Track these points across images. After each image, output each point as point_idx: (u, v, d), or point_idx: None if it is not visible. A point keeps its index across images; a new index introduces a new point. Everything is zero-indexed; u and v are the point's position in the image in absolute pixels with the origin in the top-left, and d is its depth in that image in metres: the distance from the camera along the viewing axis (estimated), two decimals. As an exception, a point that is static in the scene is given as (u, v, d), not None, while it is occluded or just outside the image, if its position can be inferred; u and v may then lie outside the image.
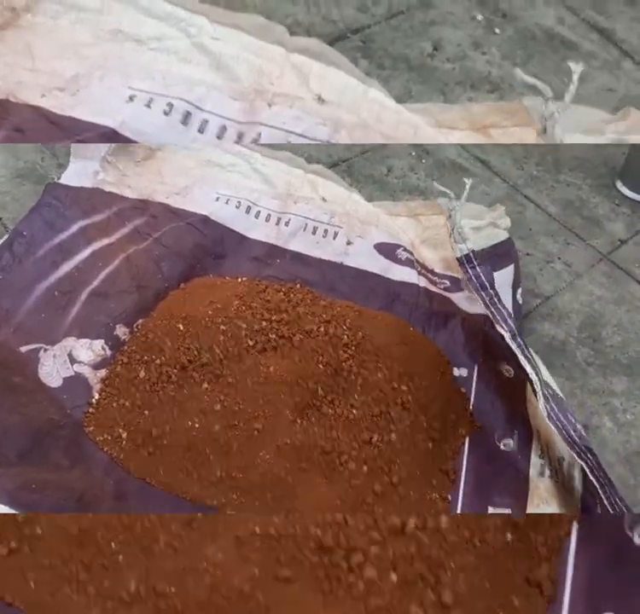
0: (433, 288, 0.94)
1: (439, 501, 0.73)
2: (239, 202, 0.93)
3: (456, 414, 0.81)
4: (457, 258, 0.83)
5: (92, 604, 0.55)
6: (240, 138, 0.82)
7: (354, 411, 0.74)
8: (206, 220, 0.91)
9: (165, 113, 0.81)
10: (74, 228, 0.85)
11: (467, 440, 0.79)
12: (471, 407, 0.83)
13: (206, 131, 0.82)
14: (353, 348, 0.80)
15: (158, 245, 0.87)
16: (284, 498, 0.68)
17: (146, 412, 0.71)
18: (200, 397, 0.72)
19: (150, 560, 0.58)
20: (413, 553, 0.47)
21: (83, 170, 0.93)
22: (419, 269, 0.94)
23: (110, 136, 0.81)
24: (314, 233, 0.94)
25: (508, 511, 0.72)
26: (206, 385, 0.73)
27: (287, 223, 0.94)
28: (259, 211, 0.94)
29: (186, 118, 0.81)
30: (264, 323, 0.79)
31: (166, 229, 0.88)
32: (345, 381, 0.76)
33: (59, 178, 0.92)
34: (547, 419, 0.70)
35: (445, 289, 0.95)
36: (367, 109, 0.82)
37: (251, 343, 0.77)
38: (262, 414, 0.72)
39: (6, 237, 0.82)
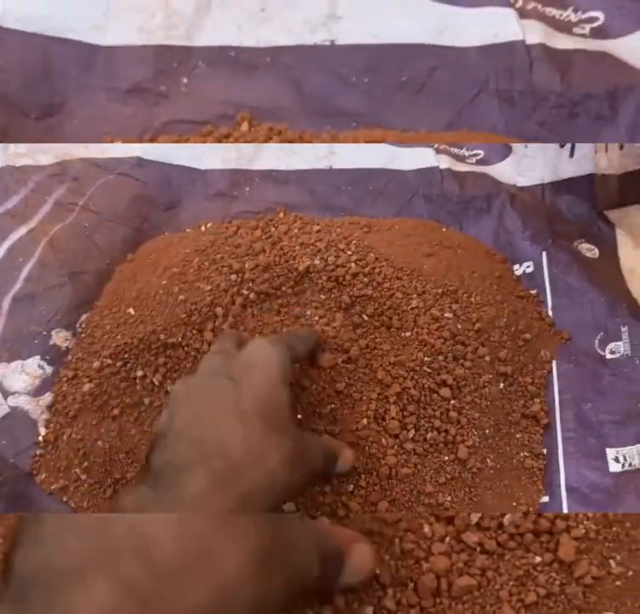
0: (460, 167, 0.68)
1: (531, 461, 0.51)
2: (178, 128, 0.71)
3: (532, 331, 0.57)
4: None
5: None
6: None
7: (380, 368, 0.52)
8: (140, 163, 0.69)
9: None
10: (-20, 225, 0.67)
11: (554, 364, 0.56)
12: (550, 313, 0.59)
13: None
14: (365, 278, 0.57)
15: (87, 213, 0.66)
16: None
17: (99, 443, 0.52)
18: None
19: None
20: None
21: (-11, 148, 0.74)
22: (436, 145, 0.69)
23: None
24: (284, 138, 0.71)
25: (637, 448, 0.49)
26: (169, 388, 0.54)
27: (245, 137, 0.71)
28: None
29: None
30: (233, 277, 0.58)
31: (93, 191, 0.68)
32: (361, 328, 0.54)
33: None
34: None
35: (480, 162, 0.69)
36: None
37: (221, 311, 0.56)
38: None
39: None
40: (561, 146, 0.67)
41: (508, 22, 0.53)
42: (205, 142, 0.61)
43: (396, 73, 0.55)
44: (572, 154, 0.67)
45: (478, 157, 0.69)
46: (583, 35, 0.54)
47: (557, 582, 0.41)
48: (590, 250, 0.62)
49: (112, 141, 0.62)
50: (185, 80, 0.57)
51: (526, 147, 0.68)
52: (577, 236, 0.63)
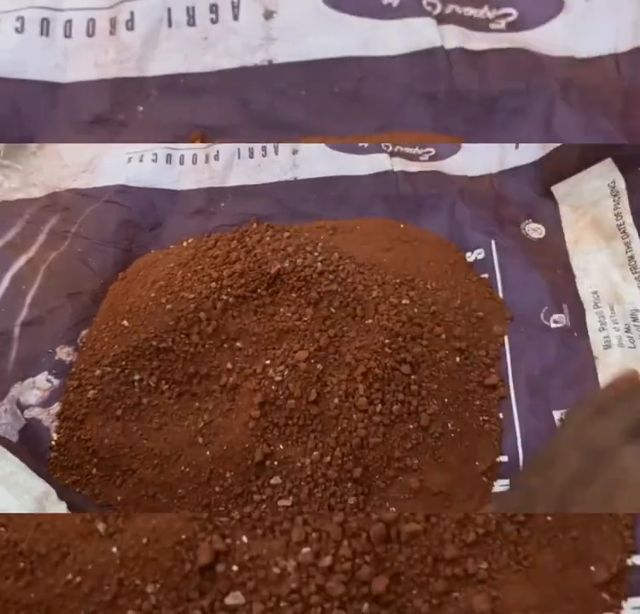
0: (413, 167, 0.75)
1: (489, 425, 0.57)
2: (155, 154, 0.78)
3: (484, 309, 0.63)
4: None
5: None
6: (113, 26, 0.63)
7: (348, 353, 0.58)
8: (123, 190, 0.76)
9: (18, 31, 0.62)
10: (-16, 258, 0.73)
11: (506, 339, 0.62)
12: (501, 293, 0.65)
13: (74, 33, 0.64)
14: (331, 275, 0.63)
15: (79, 240, 0.73)
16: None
17: (106, 441, 0.59)
18: (167, 409, 0.60)
19: None
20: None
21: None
22: (388, 147, 0.75)
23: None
24: (251, 156, 0.77)
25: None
26: (165, 386, 0.61)
27: (216, 157, 0.78)
28: (182, 156, 0.78)
29: (45, 27, 0.63)
30: (213, 285, 0.64)
31: (83, 219, 0.75)
32: (329, 320, 0.61)
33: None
34: None
35: (432, 158, 0.76)
36: None
37: (204, 315, 0.63)
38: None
39: None
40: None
41: (427, 30, 0.59)
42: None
43: (329, 85, 0.61)
44: (517, 146, 0.73)
45: (430, 154, 0.76)
46: (500, 30, 0.60)
47: (493, 522, 0.47)
48: (536, 230, 0.68)
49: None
50: (141, 108, 0.64)
51: (473, 144, 0.75)
52: (524, 218, 0.69)
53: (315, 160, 0.76)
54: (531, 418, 0.55)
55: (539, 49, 0.59)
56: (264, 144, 0.77)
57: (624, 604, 0.43)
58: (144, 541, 0.44)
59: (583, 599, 0.43)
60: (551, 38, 0.58)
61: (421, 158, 0.75)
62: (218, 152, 0.77)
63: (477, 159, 0.74)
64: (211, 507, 0.54)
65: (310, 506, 0.52)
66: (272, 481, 0.54)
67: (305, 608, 0.41)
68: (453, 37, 0.59)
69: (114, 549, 0.44)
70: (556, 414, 0.55)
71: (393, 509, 0.53)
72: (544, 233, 0.68)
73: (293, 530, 0.44)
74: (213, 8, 0.60)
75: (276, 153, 0.77)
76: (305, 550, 0.43)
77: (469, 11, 0.58)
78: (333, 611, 0.41)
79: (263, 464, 0.55)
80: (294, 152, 0.76)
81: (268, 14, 0.60)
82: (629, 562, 0.44)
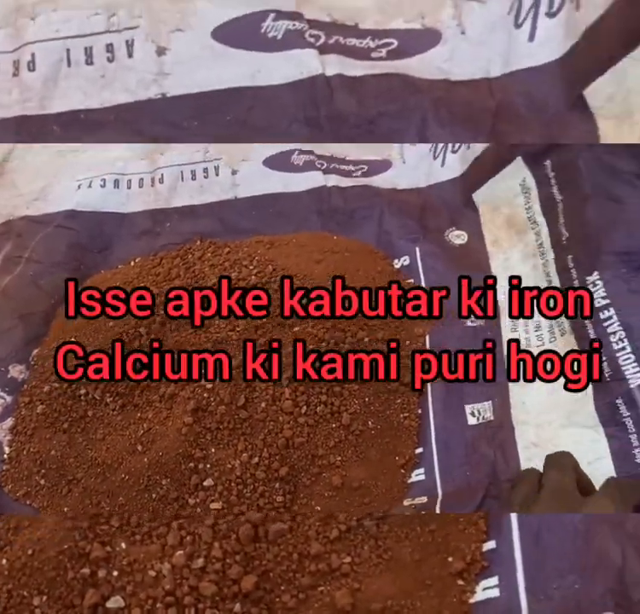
0: (345, 183, 0.79)
1: (409, 421, 0.60)
2: (103, 180, 0.82)
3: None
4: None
5: None
6: (16, 68, 0.68)
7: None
8: (72, 214, 0.80)
9: None
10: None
11: (427, 338, 0.65)
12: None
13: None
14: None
15: (31, 263, 0.77)
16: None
17: (53, 452, 0.63)
18: (111, 420, 0.63)
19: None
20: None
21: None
22: (323, 165, 0.80)
23: None
24: (194, 178, 0.81)
25: (488, 404, 0.59)
26: (109, 399, 0.64)
27: (161, 180, 0.82)
28: (130, 180, 0.82)
29: None
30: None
31: (34, 243, 0.78)
32: (261, 329, 0.64)
33: None
34: None
35: (364, 174, 0.80)
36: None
37: (144, 330, 0.66)
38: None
39: None
40: (434, 158, 0.77)
41: (309, 60, 0.64)
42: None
43: (221, 115, 0.66)
44: (443, 163, 0.77)
45: (362, 170, 0.80)
46: (381, 58, 0.64)
47: (354, 518, 0.50)
48: (459, 236, 0.72)
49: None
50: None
51: (403, 162, 0.79)
52: (448, 225, 0.73)
53: (254, 179, 0.80)
54: (445, 411, 0.59)
55: (416, 74, 0.63)
56: (205, 166, 0.81)
57: (476, 587, 0.46)
58: (30, 552, 0.47)
59: (439, 587, 0.46)
60: (428, 64, 0.62)
61: (354, 174, 0.79)
62: (162, 175, 0.81)
63: (406, 175, 0.78)
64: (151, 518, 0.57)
65: (239, 507, 0.56)
66: (205, 483, 0.57)
67: (180, 609, 0.44)
68: (333, 66, 0.63)
69: (4, 561, 0.47)
70: (468, 408, 0.58)
71: (318, 508, 0.56)
72: (466, 239, 0.72)
73: (169, 534, 0.47)
74: (109, 48, 0.64)
75: (217, 174, 0.81)
76: (179, 553, 0.46)
77: (352, 41, 0.63)
78: (206, 610, 0.44)
79: (196, 467, 0.58)
80: (234, 172, 0.80)
81: (160, 51, 0.64)
82: (483, 548, 0.47)
